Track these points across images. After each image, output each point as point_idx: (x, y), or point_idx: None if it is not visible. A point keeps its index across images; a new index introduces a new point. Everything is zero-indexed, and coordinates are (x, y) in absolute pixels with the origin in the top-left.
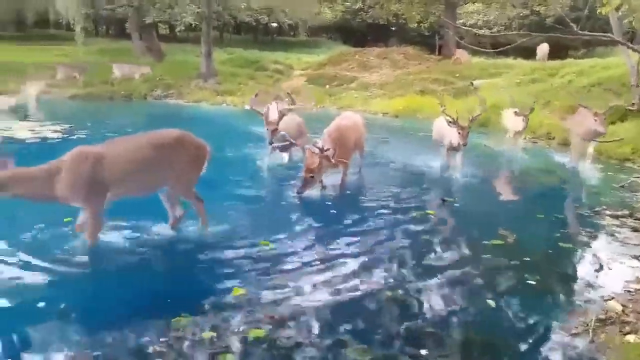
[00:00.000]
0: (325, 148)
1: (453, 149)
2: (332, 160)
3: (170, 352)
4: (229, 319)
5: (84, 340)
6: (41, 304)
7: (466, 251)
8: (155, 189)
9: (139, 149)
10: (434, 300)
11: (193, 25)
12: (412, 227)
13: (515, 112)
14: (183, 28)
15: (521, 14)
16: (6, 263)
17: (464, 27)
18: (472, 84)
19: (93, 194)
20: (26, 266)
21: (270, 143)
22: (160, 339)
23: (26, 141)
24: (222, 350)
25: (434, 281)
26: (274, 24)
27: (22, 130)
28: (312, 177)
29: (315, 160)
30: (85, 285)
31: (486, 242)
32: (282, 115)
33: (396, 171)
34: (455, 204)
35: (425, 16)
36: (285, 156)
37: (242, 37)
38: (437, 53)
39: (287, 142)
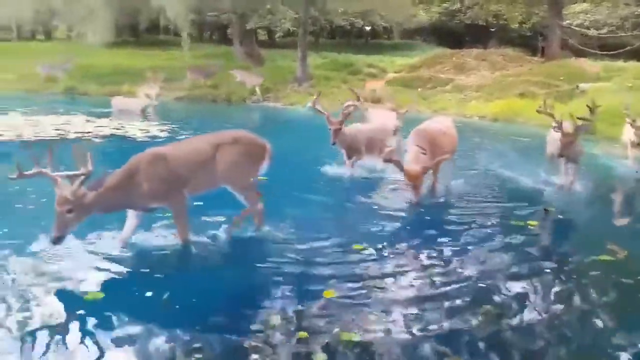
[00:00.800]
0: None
1: (570, 160)
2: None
3: (265, 349)
4: (321, 320)
5: (182, 333)
6: (149, 293)
7: (571, 266)
8: (215, 186)
9: (197, 149)
10: (537, 319)
11: (291, 31)
12: (511, 237)
13: (628, 121)
14: (282, 34)
15: (635, 13)
16: (106, 259)
17: (571, 28)
18: (577, 87)
19: (172, 191)
20: (123, 262)
21: (333, 144)
22: (256, 335)
23: (137, 140)
24: (314, 350)
25: (536, 297)
26: (368, 28)
27: (134, 129)
28: (417, 185)
29: (416, 166)
30: (178, 282)
31: (594, 257)
32: (345, 115)
33: (493, 178)
34: (559, 215)
35: (528, 17)
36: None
37: (337, 41)
38: (539, 55)
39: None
